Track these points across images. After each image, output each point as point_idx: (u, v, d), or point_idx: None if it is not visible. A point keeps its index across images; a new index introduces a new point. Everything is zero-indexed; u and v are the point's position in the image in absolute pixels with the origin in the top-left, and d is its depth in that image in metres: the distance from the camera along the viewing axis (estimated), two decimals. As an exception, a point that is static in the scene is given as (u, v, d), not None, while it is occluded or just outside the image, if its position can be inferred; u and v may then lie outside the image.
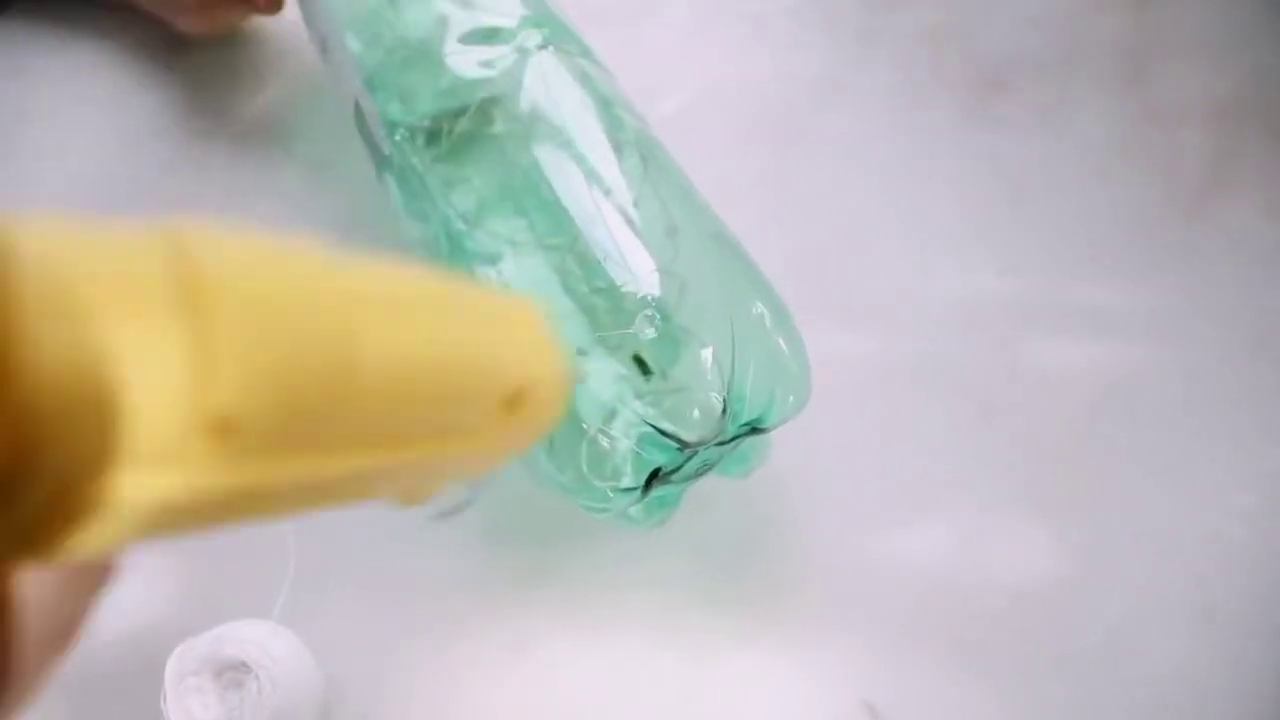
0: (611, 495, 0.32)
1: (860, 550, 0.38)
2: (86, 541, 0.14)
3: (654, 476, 0.32)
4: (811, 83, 0.47)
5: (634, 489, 0.32)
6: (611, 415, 0.32)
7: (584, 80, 0.36)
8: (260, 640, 0.34)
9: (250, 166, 0.46)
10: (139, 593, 0.38)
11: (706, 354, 0.32)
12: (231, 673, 0.34)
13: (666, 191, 0.35)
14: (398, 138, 0.36)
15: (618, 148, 0.35)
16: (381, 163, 0.37)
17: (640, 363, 0.32)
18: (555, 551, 0.37)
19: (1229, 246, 0.43)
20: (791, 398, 0.33)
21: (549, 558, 0.38)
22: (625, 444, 0.31)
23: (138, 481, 0.14)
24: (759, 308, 0.33)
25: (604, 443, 0.32)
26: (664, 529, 0.37)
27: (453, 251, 0.35)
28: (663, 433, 0.31)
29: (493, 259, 0.34)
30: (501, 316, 0.22)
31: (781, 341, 0.33)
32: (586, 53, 0.38)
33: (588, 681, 0.36)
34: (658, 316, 0.32)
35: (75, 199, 0.45)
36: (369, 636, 0.37)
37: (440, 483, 0.22)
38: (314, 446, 0.16)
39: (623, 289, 0.32)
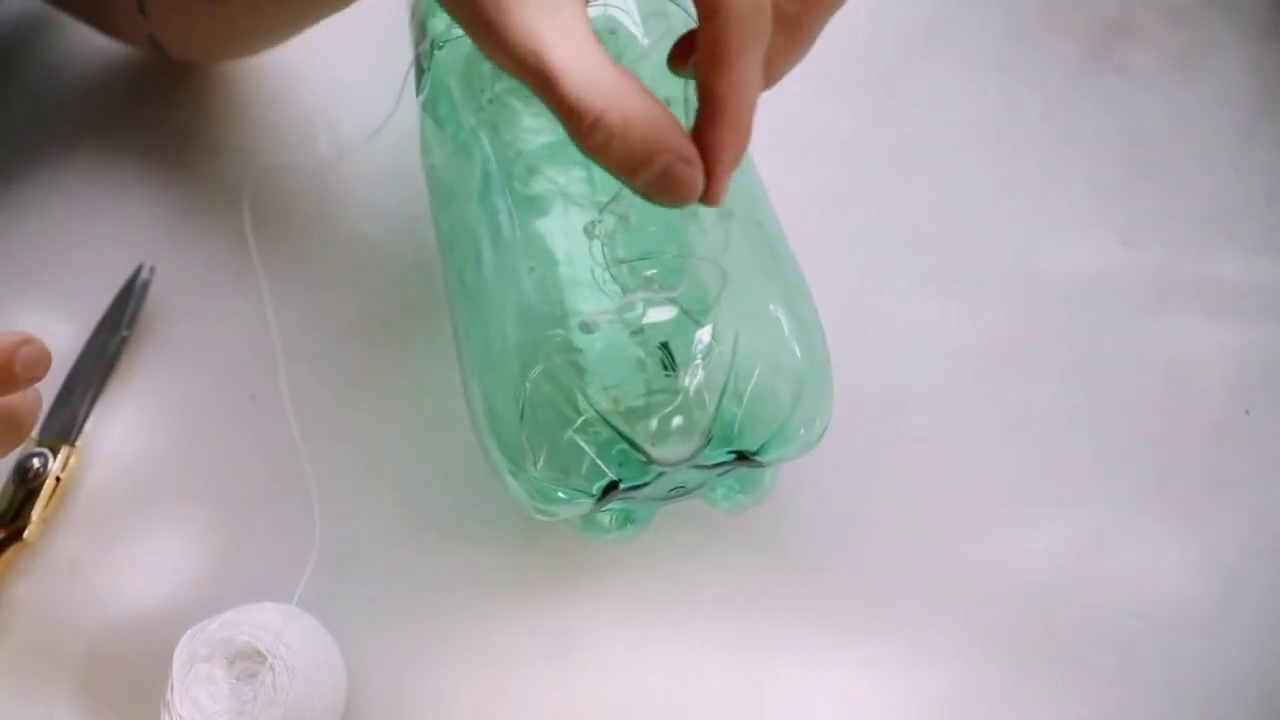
0: (562, 496, 0.28)
1: (959, 551, 0.34)
2: None
3: (611, 489, 0.28)
4: (911, 26, 0.43)
5: (587, 496, 0.28)
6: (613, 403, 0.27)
7: (662, 18, 0.32)
8: (277, 627, 0.30)
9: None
10: (149, 573, 0.35)
11: (698, 363, 0.27)
12: (245, 661, 0.30)
13: None
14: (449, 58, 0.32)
15: (687, 109, 0.30)
16: (422, 79, 0.33)
17: (666, 354, 0.27)
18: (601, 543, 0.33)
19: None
20: (802, 430, 0.28)
21: (593, 548, 0.34)
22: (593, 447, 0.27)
23: None
24: (776, 313, 0.28)
25: (583, 439, 0.27)
26: (736, 520, 0.33)
27: (487, 191, 0.30)
28: (630, 443, 0.27)
29: (543, 209, 0.30)
30: None
31: (802, 360, 0.28)
32: None
33: (640, 684, 0.32)
34: (656, 284, 0.27)
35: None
36: (396, 628, 0.34)
37: None
38: None
39: (635, 261, 0.27)
